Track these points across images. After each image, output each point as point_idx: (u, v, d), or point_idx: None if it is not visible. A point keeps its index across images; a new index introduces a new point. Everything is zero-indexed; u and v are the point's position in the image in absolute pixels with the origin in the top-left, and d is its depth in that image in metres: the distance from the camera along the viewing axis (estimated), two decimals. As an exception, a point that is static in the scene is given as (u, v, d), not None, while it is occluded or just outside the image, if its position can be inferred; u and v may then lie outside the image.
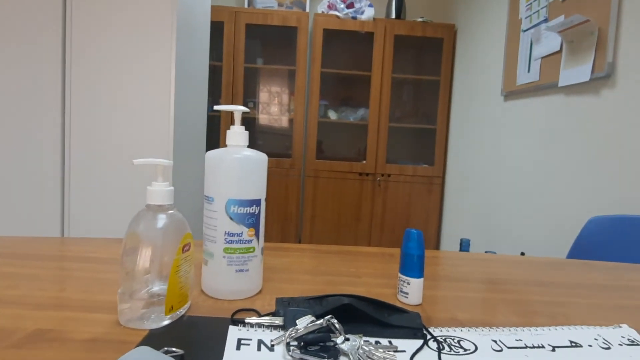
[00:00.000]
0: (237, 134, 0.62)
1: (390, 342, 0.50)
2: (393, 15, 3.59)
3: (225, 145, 0.63)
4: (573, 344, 0.52)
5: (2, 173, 1.66)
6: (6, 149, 1.66)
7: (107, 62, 1.64)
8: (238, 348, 0.47)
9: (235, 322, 0.53)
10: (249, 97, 3.81)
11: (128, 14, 1.63)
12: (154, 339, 0.48)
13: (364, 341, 0.49)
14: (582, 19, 1.84)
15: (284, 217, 3.60)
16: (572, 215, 1.99)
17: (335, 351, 0.46)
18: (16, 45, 1.63)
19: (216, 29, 3.31)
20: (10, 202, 1.68)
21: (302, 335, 0.47)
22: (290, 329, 0.48)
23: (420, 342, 0.51)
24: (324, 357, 0.44)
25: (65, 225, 1.69)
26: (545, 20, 2.22)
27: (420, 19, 3.52)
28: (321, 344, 0.46)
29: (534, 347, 0.51)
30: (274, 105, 3.88)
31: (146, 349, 0.41)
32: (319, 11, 3.56)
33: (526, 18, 2.42)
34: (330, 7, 3.52)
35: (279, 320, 0.53)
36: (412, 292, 0.63)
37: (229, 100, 3.47)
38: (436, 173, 3.61)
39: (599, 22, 1.80)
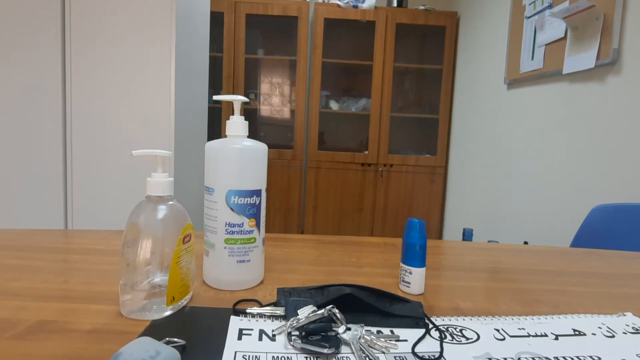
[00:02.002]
0: (236, 124, 0.61)
1: (392, 332, 0.50)
2: (395, 4, 3.56)
3: (225, 136, 0.63)
4: (576, 333, 0.52)
5: (5, 166, 1.67)
6: (8, 142, 1.66)
7: (107, 54, 1.64)
8: (240, 338, 0.47)
9: (237, 313, 0.53)
10: (250, 88, 3.80)
11: (128, 5, 1.62)
12: (156, 329, 0.48)
13: (366, 331, 0.49)
14: (587, 4, 1.82)
15: (286, 208, 3.60)
16: (576, 204, 1.99)
17: (337, 341, 0.46)
18: (15, 36, 1.62)
19: (216, 19, 3.29)
20: (13, 195, 1.68)
21: (304, 325, 0.47)
22: (292, 319, 0.48)
23: (422, 331, 0.50)
24: (325, 347, 0.44)
25: (69, 217, 1.70)
26: (550, 6, 2.20)
27: (422, 7, 3.50)
28: (322, 333, 0.46)
29: (537, 335, 0.51)
30: (275, 96, 3.87)
31: (148, 340, 0.41)
32: (320, 0, 3.53)
33: (530, 4, 2.40)
34: (331, -4, 3.49)
35: (280, 311, 0.52)
36: (414, 281, 0.63)
37: (230, 91, 3.46)
38: (439, 163, 3.60)
39: (604, 8, 1.78)
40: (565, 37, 2.05)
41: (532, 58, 2.34)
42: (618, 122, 1.74)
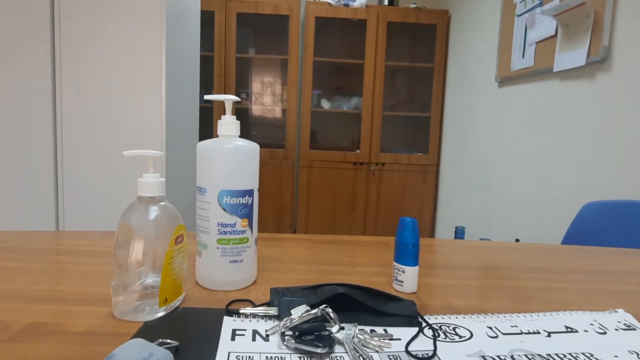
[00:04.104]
0: (228, 124, 0.61)
1: (385, 331, 0.50)
2: (386, 2, 3.57)
3: (217, 136, 0.62)
4: (569, 329, 0.52)
5: (-7, 167, 1.65)
6: (-3, 142, 1.64)
7: (97, 54, 1.63)
8: (233, 339, 0.47)
9: (230, 313, 0.53)
10: (242, 87, 3.79)
11: (117, 5, 1.61)
12: (149, 330, 0.48)
13: (359, 330, 0.49)
14: (577, 2, 1.83)
15: (278, 208, 3.60)
16: (566, 201, 2.00)
17: (330, 340, 0.46)
18: (4, 37, 1.60)
19: (207, 18, 3.28)
20: (4, 197, 1.66)
21: (297, 325, 0.47)
22: (285, 319, 0.48)
23: (415, 329, 0.51)
24: (319, 347, 0.44)
25: (60, 219, 1.68)
26: (540, 4, 2.21)
27: (413, 6, 3.50)
28: (316, 333, 0.46)
29: (529, 333, 0.51)
30: (267, 96, 3.86)
31: (141, 341, 0.41)
32: (311, -1, 3.53)
33: (520, 2, 2.41)
34: (322, -6, 3.49)
35: (273, 310, 0.52)
36: (407, 280, 0.63)
37: (221, 91, 3.45)
38: (431, 161, 3.61)
39: (594, 5, 1.80)
40: (555, 35, 2.06)
41: (523, 56, 2.36)
42: (608, 119, 1.75)
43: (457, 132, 3.30)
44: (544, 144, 2.17)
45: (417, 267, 0.63)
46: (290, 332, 0.47)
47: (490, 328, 0.52)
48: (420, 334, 0.50)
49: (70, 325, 0.49)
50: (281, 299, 0.54)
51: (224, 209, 0.59)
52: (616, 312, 0.58)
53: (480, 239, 2.69)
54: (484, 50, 2.89)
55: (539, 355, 0.46)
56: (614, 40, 1.73)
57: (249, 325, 0.50)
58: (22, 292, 0.58)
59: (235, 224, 0.60)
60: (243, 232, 0.61)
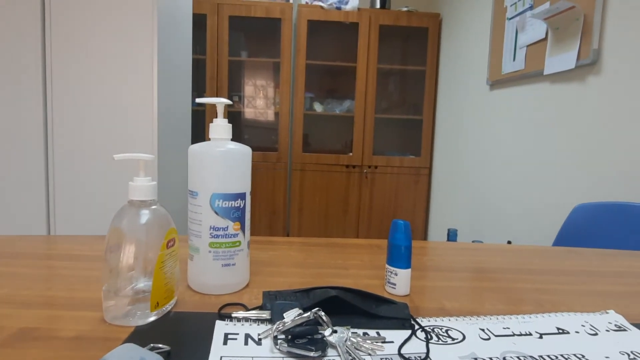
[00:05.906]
0: (219, 127, 0.61)
1: (378, 333, 0.50)
2: (378, 5, 3.58)
3: (209, 139, 0.62)
4: (560, 331, 0.52)
5: (-17, 171, 1.64)
6: (-13, 146, 1.63)
7: (88, 57, 1.62)
8: (225, 343, 0.47)
9: (222, 317, 0.53)
10: (234, 90, 3.78)
11: (109, 8, 1.60)
12: (140, 335, 0.48)
13: (352, 333, 0.49)
14: (567, 5, 1.84)
15: (271, 211, 3.59)
16: (558, 203, 2.01)
17: (323, 343, 0.45)
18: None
19: (199, 21, 3.28)
20: (-8, 201, 1.65)
21: (290, 329, 0.47)
22: (278, 323, 0.48)
23: (408, 332, 0.51)
24: (311, 350, 0.44)
25: (51, 223, 1.67)
26: (531, 8, 2.23)
27: (405, 9, 3.52)
28: (309, 336, 0.46)
29: (521, 334, 0.51)
30: (260, 99, 3.86)
31: (132, 346, 0.41)
32: (303, 2, 3.53)
33: (511, 6, 2.43)
34: (314, -2, 3.50)
35: (266, 314, 0.52)
36: (400, 282, 0.63)
37: (214, 94, 3.44)
38: (423, 164, 3.62)
39: (584, 8, 1.81)
40: (546, 38, 2.08)
41: (514, 59, 2.37)
42: (598, 121, 1.77)
43: (449, 134, 3.31)
44: (535, 146, 2.19)
45: (409, 270, 0.63)
46: (283, 336, 0.47)
47: (483, 330, 0.52)
48: (413, 337, 0.50)
49: (60, 330, 0.49)
50: (274, 303, 0.54)
51: (216, 213, 0.59)
52: (607, 313, 0.58)
53: (473, 241, 2.70)
54: (475, 53, 2.91)
55: (531, 356, 0.46)
56: (603, 43, 1.74)
57: (242, 329, 0.50)
58: (12, 297, 0.57)
59: (227, 227, 0.60)
60: (235, 235, 0.60)
